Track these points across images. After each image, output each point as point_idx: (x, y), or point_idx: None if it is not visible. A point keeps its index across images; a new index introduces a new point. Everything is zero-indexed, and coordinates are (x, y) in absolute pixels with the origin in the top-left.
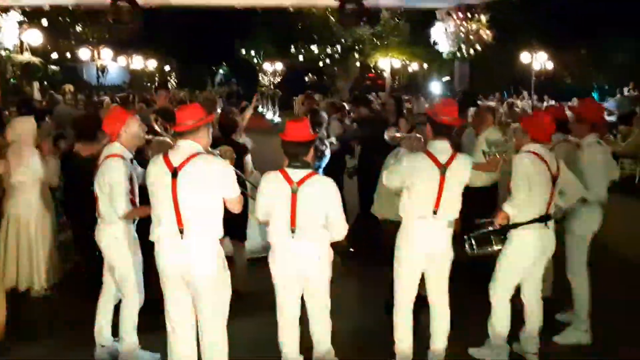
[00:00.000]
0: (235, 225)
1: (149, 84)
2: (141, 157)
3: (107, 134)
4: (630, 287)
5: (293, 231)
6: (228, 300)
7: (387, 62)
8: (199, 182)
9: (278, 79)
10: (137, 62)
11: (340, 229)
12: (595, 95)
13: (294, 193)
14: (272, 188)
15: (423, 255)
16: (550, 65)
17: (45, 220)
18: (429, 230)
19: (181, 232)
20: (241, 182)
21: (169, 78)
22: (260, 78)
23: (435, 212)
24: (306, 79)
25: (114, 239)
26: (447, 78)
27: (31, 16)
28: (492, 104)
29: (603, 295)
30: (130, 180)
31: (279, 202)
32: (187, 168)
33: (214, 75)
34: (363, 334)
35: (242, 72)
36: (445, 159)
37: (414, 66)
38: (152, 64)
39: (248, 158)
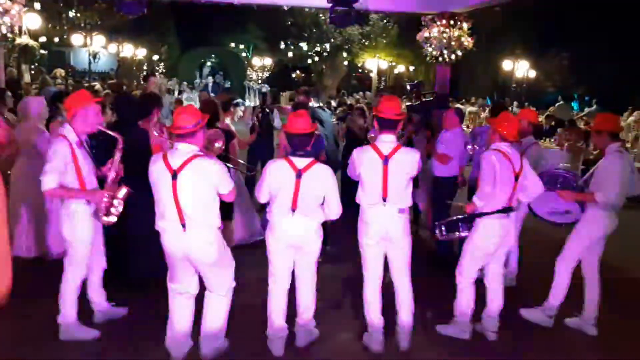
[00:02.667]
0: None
1: (137, 72)
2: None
3: (66, 109)
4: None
5: (293, 211)
6: (232, 275)
7: (374, 63)
8: (197, 182)
9: (266, 74)
10: (127, 50)
11: (335, 209)
12: (574, 105)
13: (298, 178)
14: (278, 174)
15: (378, 238)
16: (532, 74)
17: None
18: (381, 216)
19: (183, 225)
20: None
21: (157, 67)
22: (249, 72)
23: (384, 200)
24: (293, 75)
25: (64, 215)
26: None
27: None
28: (473, 108)
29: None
30: (75, 162)
31: (283, 187)
32: (186, 170)
33: (203, 67)
34: (341, 309)
35: (230, 65)
36: (388, 150)
37: (400, 68)
38: (141, 53)
39: (235, 141)
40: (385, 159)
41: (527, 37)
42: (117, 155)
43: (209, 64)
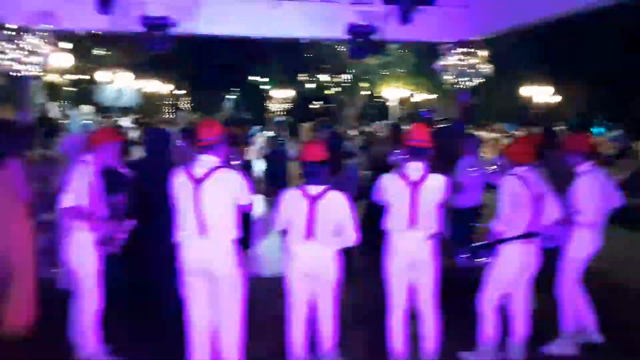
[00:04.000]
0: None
1: (161, 107)
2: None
3: (93, 140)
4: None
5: (309, 239)
6: (242, 294)
7: (393, 92)
8: (219, 193)
9: (286, 106)
10: (152, 86)
11: (351, 236)
12: (596, 130)
13: (312, 206)
14: (292, 202)
15: (405, 264)
16: (552, 99)
17: None
18: (409, 242)
19: (203, 234)
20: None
21: (179, 102)
22: (269, 105)
23: (412, 226)
24: (313, 106)
25: (68, 244)
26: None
27: (57, 39)
28: (493, 134)
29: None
30: (91, 189)
31: (298, 214)
32: (208, 180)
33: (224, 101)
34: (363, 338)
35: (251, 99)
36: (416, 177)
37: (419, 96)
38: (166, 88)
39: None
40: (414, 185)
41: (547, 62)
42: (128, 190)
43: (231, 97)
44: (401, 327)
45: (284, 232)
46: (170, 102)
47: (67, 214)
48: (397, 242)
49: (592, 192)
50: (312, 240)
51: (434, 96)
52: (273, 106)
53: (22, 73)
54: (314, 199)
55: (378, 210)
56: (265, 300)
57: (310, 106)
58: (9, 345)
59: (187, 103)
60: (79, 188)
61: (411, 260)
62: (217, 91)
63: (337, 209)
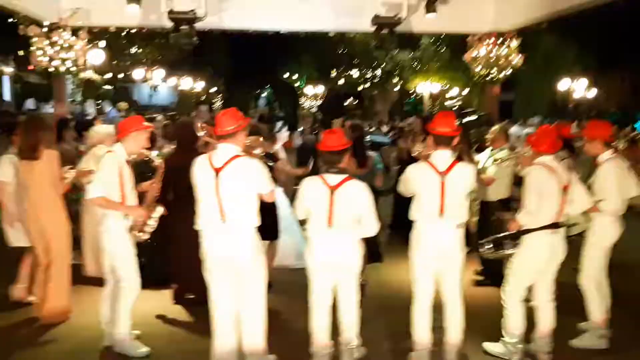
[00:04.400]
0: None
1: (195, 104)
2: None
3: (119, 130)
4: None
5: (330, 228)
6: (265, 279)
7: (426, 87)
8: (238, 181)
9: (318, 102)
10: (186, 83)
11: (371, 226)
12: (637, 125)
13: (332, 195)
14: (312, 191)
15: (433, 255)
16: (590, 93)
17: None
18: (437, 232)
19: (223, 222)
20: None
21: (214, 100)
22: (302, 101)
23: (440, 216)
24: (345, 102)
25: (103, 232)
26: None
27: (93, 37)
28: (529, 129)
29: (618, 304)
30: (121, 178)
31: (318, 203)
32: (228, 169)
33: (257, 98)
34: (386, 327)
35: (284, 96)
36: (444, 166)
37: (453, 92)
38: (199, 85)
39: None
40: (442, 175)
41: (585, 55)
42: (157, 178)
43: (264, 94)
44: (426, 317)
45: (305, 222)
46: (204, 100)
47: (96, 203)
48: (425, 231)
49: (614, 180)
50: (333, 229)
51: (467, 90)
52: (306, 103)
53: (58, 69)
54: (334, 188)
55: (404, 203)
56: (288, 289)
57: (345, 102)
58: (46, 329)
59: (220, 101)
60: (107, 178)
61: (438, 250)
62: (249, 89)
63: (356, 198)
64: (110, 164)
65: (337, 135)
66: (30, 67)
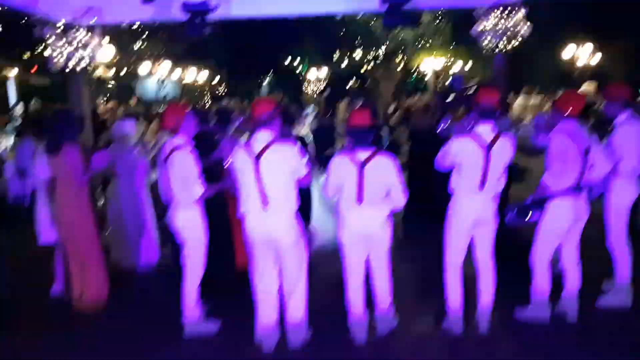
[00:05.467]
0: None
1: (200, 96)
2: None
3: (169, 128)
4: None
5: (360, 202)
6: (306, 259)
7: (429, 64)
8: (277, 165)
9: (322, 86)
10: (190, 75)
11: (399, 199)
12: None
13: (361, 170)
14: (341, 168)
15: (469, 224)
16: (595, 61)
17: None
18: (476, 202)
19: (265, 207)
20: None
21: (218, 90)
22: (304, 87)
23: (481, 187)
24: (349, 84)
25: (188, 220)
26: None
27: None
28: (535, 100)
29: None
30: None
31: (348, 179)
32: (266, 154)
33: (260, 86)
34: (418, 295)
35: (286, 82)
36: (488, 139)
37: (458, 66)
38: (202, 77)
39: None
40: (487, 148)
41: (590, 24)
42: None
43: (266, 81)
44: (458, 284)
45: (335, 198)
46: (208, 91)
47: (204, 196)
48: (464, 202)
49: (632, 140)
50: (363, 204)
51: (470, 65)
52: (308, 87)
53: (75, 68)
54: (362, 164)
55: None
56: (325, 264)
57: (346, 86)
58: (85, 318)
59: (223, 90)
60: (196, 172)
61: (475, 220)
62: (251, 76)
63: (385, 172)
64: (192, 161)
65: (365, 112)
66: (33, 70)
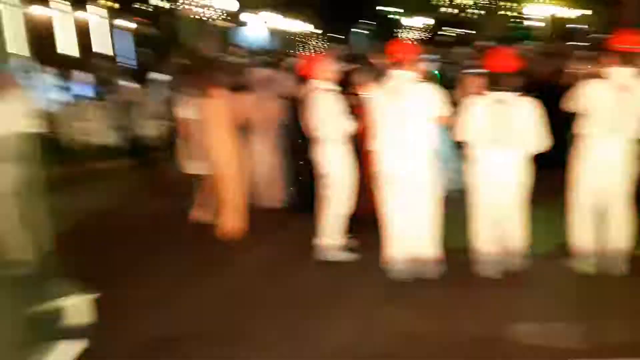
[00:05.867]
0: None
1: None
2: None
3: (308, 74)
4: None
5: (495, 144)
6: (439, 198)
7: (540, 10)
8: (417, 104)
9: (418, 34)
10: (288, 24)
11: (540, 140)
12: None
13: (501, 113)
14: (477, 109)
15: (604, 167)
16: None
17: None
18: (607, 146)
19: (404, 143)
20: None
21: (313, 40)
22: (400, 35)
23: (613, 131)
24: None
25: (336, 155)
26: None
27: None
28: None
29: None
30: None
31: (483, 119)
32: (407, 93)
33: (354, 34)
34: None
35: (382, 30)
36: (625, 83)
37: (574, 12)
38: (298, 26)
39: None
40: (622, 90)
41: None
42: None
43: (360, 31)
44: (588, 225)
45: (469, 140)
46: (304, 40)
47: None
48: (597, 147)
49: None
50: (500, 146)
51: (587, 12)
52: (408, 36)
53: (202, 16)
54: (504, 106)
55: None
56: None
57: (442, 33)
58: (226, 244)
59: (320, 40)
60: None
61: (608, 165)
62: (347, 26)
63: (524, 114)
64: (338, 101)
65: (505, 55)
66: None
